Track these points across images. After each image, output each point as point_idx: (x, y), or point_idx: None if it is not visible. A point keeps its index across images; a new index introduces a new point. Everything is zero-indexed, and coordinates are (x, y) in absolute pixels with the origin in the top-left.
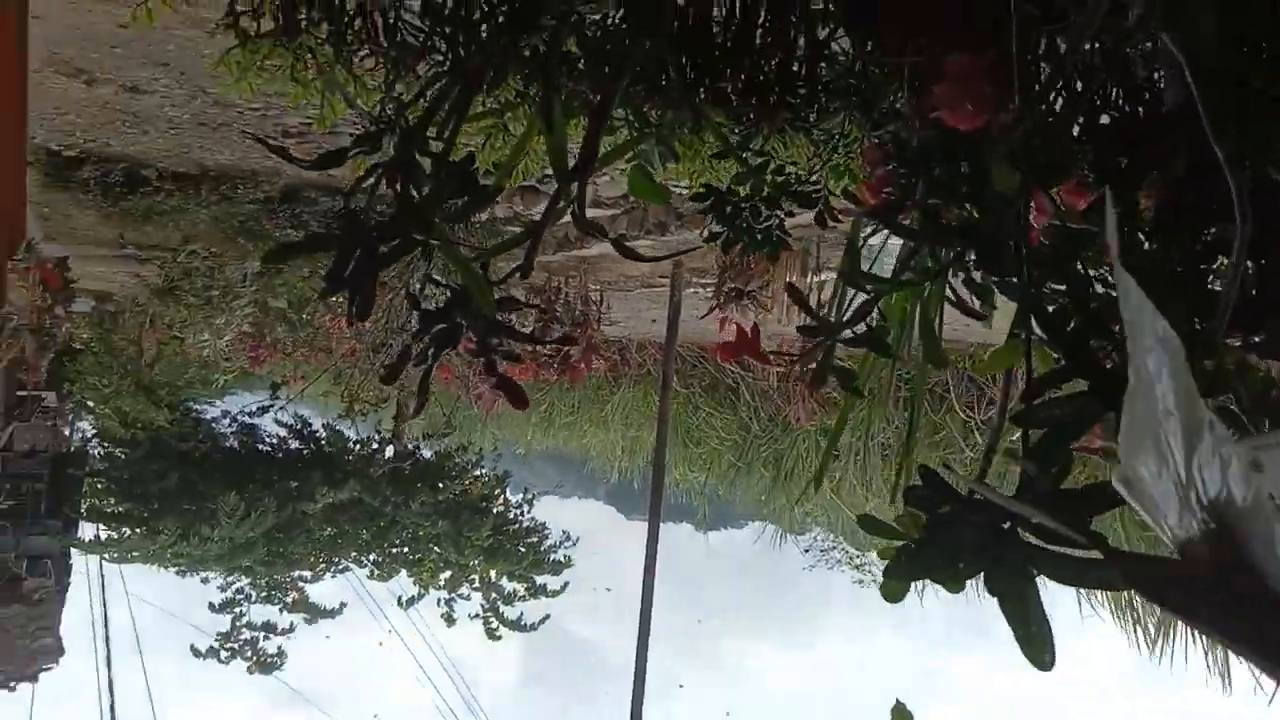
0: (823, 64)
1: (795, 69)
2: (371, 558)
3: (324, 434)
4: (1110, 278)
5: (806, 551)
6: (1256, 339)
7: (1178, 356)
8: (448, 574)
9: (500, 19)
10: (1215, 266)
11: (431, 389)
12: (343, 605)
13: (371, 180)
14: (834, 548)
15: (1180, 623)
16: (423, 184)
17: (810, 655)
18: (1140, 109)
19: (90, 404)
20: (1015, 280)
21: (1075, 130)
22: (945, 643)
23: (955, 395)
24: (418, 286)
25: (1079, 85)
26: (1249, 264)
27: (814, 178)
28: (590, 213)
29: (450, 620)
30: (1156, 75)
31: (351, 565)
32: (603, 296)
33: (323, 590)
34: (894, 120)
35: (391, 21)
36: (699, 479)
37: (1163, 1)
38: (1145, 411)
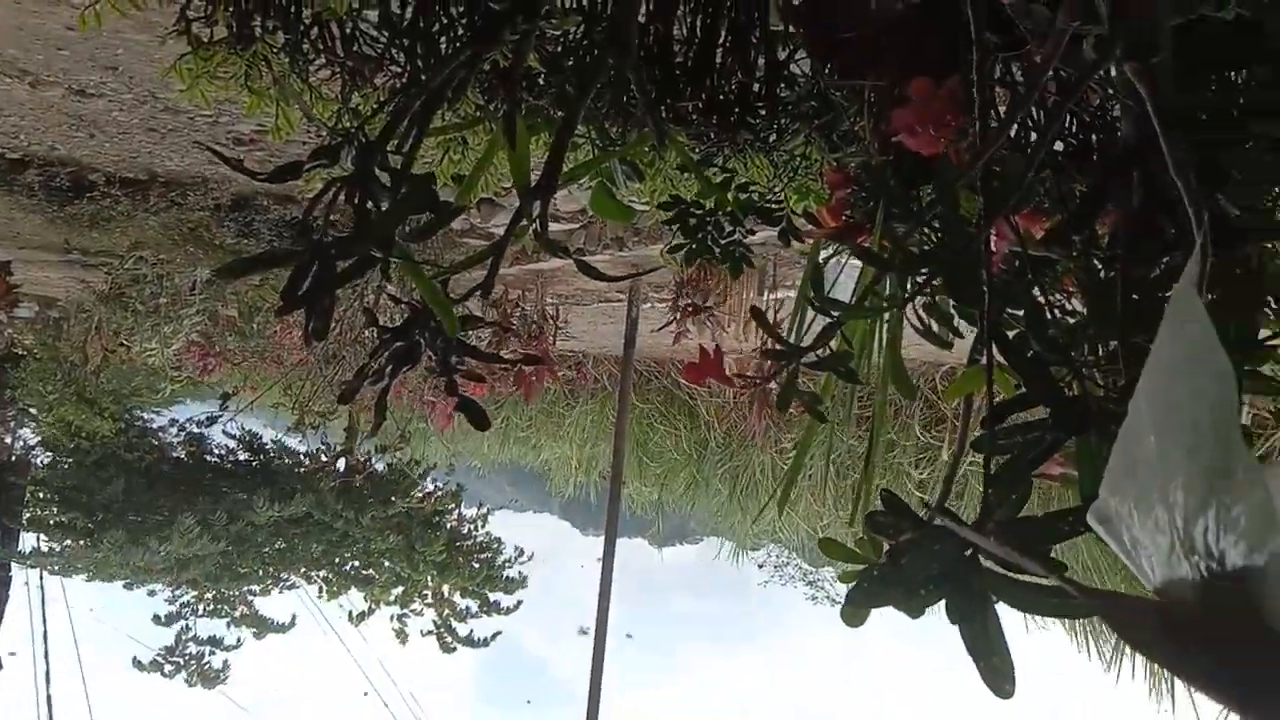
0: (783, 85)
1: (756, 89)
2: (322, 573)
3: (273, 446)
4: (1069, 304)
5: (761, 567)
6: None
7: (1230, 394)
8: (399, 590)
9: (461, 33)
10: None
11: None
12: (294, 619)
13: (329, 194)
14: (788, 564)
15: (1150, 660)
16: (382, 199)
17: (757, 661)
18: (1100, 137)
19: (33, 411)
20: (976, 306)
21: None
22: (888, 646)
23: (911, 414)
24: (372, 300)
25: (1040, 113)
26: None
27: (776, 196)
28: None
29: (403, 636)
30: (1115, 105)
31: (300, 581)
32: (559, 310)
33: (271, 605)
34: (854, 143)
35: (349, 32)
36: (655, 494)
37: (1123, 34)
38: (1143, 451)
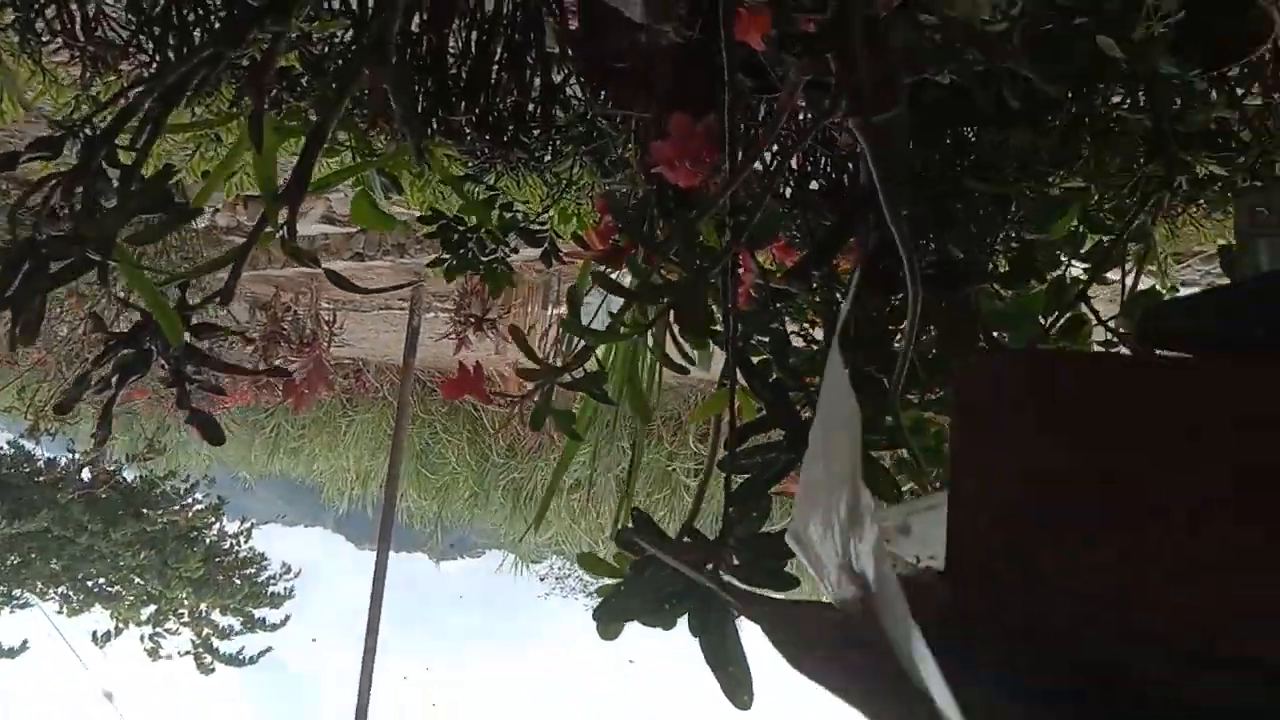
0: (558, 108)
1: (531, 109)
2: (60, 590)
3: (8, 453)
4: (808, 334)
5: (543, 580)
6: (932, 395)
7: (856, 432)
8: (152, 608)
9: (212, 25)
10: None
11: (134, 411)
12: (25, 644)
13: (48, 189)
14: (569, 576)
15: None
16: (108, 197)
17: (534, 671)
18: (845, 178)
19: None
20: (723, 332)
21: (788, 194)
22: (668, 659)
23: (687, 428)
24: (105, 304)
25: (788, 154)
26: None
27: (543, 217)
28: (326, 229)
29: (155, 656)
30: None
31: (35, 599)
32: (335, 315)
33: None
34: (623, 170)
35: (92, 14)
36: (435, 507)
37: (848, 90)
38: (819, 477)
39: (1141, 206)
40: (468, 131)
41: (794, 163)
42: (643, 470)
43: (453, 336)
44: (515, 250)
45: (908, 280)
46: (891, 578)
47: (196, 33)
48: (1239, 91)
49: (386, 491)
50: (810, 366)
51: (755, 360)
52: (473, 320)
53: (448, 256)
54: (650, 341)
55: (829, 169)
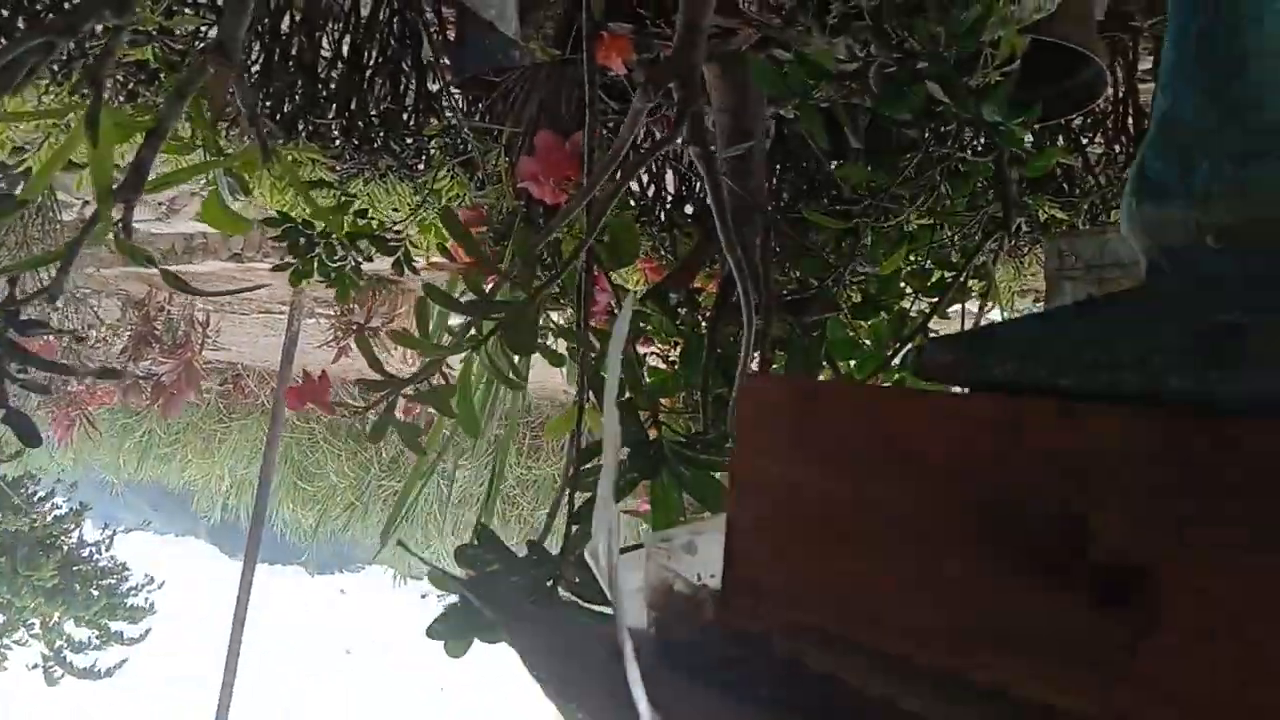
0: (433, 118)
1: (405, 118)
2: None
3: None
4: (666, 355)
5: (424, 597)
6: None
7: (615, 448)
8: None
9: (42, 14)
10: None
11: None
12: None
13: None
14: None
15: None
16: None
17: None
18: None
19: None
20: (526, 353)
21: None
22: None
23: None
24: None
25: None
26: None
27: (398, 228)
28: (205, 229)
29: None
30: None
31: None
32: (209, 318)
33: None
34: (493, 184)
35: None
36: (312, 519)
37: (689, 121)
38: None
39: (983, 245)
40: (336, 136)
41: (670, 186)
42: (532, 484)
43: (333, 343)
44: (369, 258)
45: (743, 306)
46: (621, 590)
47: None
48: (1083, 140)
49: (256, 501)
50: (663, 387)
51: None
52: (354, 327)
53: (294, 261)
54: (487, 359)
55: (702, 193)
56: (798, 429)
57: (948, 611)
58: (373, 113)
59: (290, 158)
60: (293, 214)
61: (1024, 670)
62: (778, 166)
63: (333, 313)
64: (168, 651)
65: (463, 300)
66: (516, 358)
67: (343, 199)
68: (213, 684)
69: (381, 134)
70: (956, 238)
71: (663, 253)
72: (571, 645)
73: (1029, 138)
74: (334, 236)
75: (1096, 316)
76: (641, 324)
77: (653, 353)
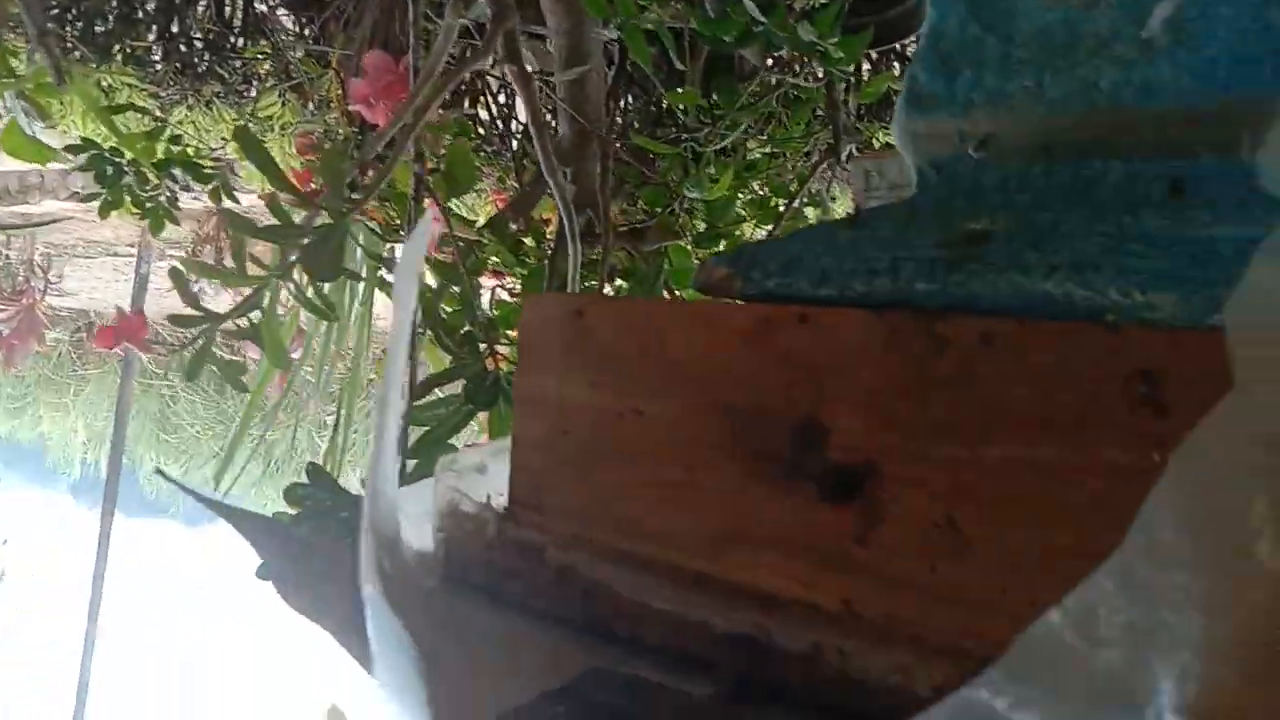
0: (262, 41)
1: (232, 42)
2: None
3: None
4: (501, 287)
5: None
6: None
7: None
8: None
9: None
10: None
11: None
12: None
13: None
14: None
15: None
16: None
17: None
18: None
19: None
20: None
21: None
22: None
23: None
24: None
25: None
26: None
27: (219, 155)
28: (36, 168)
29: None
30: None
31: None
32: (50, 261)
33: None
34: (326, 109)
35: None
36: (179, 471)
37: (504, 42)
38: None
39: (815, 171)
40: (156, 60)
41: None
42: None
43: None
44: (186, 188)
45: (568, 234)
46: (381, 514)
47: None
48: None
49: (112, 451)
50: (508, 320)
51: (449, 312)
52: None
53: (102, 191)
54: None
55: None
56: (569, 345)
57: (702, 515)
58: (195, 35)
59: (105, 82)
60: (105, 142)
61: (767, 567)
62: (624, 95)
63: (185, 254)
64: (25, 611)
65: (265, 227)
66: (326, 287)
67: (157, 125)
68: (75, 643)
69: (206, 58)
70: (795, 165)
71: (512, 184)
72: (320, 566)
73: (866, 65)
74: (146, 163)
75: (860, 230)
76: (491, 257)
77: (501, 285)
